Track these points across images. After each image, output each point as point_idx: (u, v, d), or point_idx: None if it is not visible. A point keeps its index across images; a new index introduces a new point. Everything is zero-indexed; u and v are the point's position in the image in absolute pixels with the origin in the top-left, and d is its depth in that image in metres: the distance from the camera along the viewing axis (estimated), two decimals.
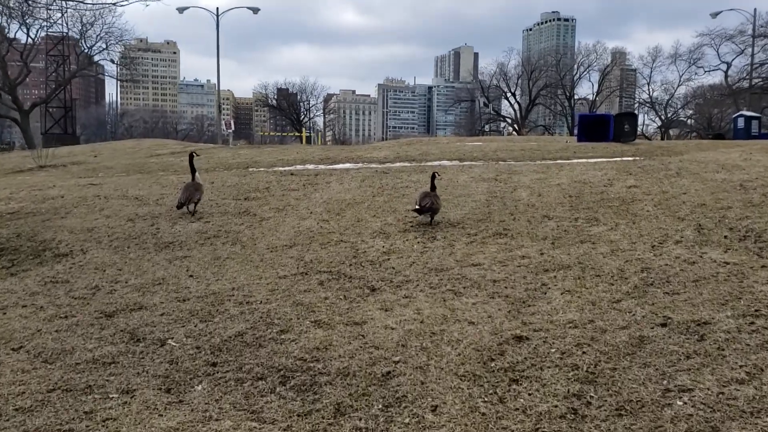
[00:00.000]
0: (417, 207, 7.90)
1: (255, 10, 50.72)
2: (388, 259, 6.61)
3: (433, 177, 8.62)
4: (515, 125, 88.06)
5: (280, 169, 16.24)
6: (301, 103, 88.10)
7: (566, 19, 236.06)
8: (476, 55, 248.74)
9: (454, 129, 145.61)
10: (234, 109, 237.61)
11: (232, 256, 7.16)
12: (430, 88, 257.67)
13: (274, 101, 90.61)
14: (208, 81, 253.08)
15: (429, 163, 15.68)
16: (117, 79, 66.65)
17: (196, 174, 9.82)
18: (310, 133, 60.15)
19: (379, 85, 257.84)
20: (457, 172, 12.91)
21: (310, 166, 16.82)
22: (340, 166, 16.60)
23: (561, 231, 7.34)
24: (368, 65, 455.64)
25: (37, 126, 64.65)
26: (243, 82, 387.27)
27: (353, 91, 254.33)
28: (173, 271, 6.66)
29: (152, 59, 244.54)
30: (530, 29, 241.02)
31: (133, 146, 32.87)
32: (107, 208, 10.51)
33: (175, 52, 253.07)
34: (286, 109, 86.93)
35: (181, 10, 49.57)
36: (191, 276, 6.43)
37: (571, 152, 17.09)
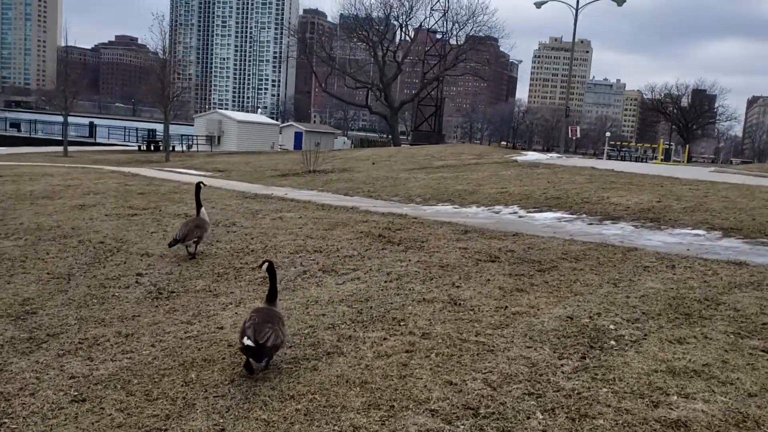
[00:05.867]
0: (247, 344, 4.20)
1: (620, 2, 44.35)
2: None
3: (270, 270, 4.78)
4: None
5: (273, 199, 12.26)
6: (693, 107, 76.02)
7: None
8: None
9: None
10: (640, 110, 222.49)
11: None
12: None
13: (675, 104, 79.66)
14: (618, 80, 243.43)
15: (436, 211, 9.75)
16: (473, 75, 67.04)
17: (202, 209, 8.34)
18: (670, 144, 50.45)
19: None
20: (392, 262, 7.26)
21: (330, 199, 12.41)
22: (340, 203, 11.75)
23: None
24: None
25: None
26: (659, 80, 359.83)
27: None
28: None
29: (564, 58, 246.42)
30: None
31: (440, 153, 31.41)
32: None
33: (587, 51, 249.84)
34: (673, 114, 76.07)
35: (538, 5, 46.51)
36: None
37: None
